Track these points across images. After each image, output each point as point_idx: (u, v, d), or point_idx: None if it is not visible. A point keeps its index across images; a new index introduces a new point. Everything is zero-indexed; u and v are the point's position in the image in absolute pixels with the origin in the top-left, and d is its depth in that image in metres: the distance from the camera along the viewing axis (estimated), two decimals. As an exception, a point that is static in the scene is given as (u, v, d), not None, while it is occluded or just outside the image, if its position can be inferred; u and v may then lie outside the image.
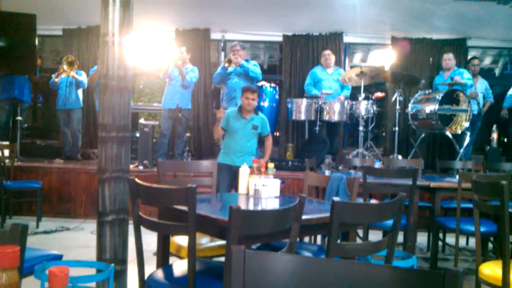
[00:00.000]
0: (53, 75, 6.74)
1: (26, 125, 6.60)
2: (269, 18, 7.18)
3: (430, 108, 6.05)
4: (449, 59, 6.57)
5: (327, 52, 6.83)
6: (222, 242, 2.80)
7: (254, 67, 6.18)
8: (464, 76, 6.36)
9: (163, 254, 2.59)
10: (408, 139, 7.15)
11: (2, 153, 5.37)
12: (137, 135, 6.26)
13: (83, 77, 6.74)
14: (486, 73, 8.04)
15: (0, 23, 6.04)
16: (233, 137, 4.42)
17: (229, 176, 4.36)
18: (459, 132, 6.05)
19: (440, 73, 6.80)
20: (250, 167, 2.96)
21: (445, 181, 4.04)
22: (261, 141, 4.72)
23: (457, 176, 3.80)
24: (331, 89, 6.56)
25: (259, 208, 2.58)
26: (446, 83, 6.31)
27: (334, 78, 6.73)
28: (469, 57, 7.28)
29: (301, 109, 6.28)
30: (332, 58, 6.83)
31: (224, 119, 4.41)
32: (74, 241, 4.72)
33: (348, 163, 5.34)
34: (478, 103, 6.71)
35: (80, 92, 6.85)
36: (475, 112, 6.58)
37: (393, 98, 6.50)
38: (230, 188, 4.42)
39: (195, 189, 2.04)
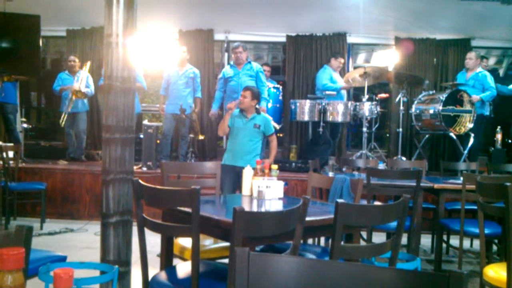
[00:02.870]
0: (57, 87, 6.65)
1: (22, 125, 6.57)
2: (273, 19, 7.18)
3: (434, 109, 6.03)
4: (470, 58, 6.35)
5: (341, 59, 6.91)
6: (225, 243, 2.80)
7: (264, 87, 5.84)
8: (488, 80, 6.22)
9: (167, 256, 2.58)
10: (412, 140, 7.13)
11: (7, 154, 5.39)
12: (141, 136, 6.27)
13: (90, 85, 6.69)
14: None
15: (5, 24, 6.05)
16: (236, 137, 4.45)
17: (233, 177, 4.35)
18: (463, 133, 6.03)
19: (463, 70, 6.64)
20: (254, 168, 2.96)
21: (449, 182, 4.02)
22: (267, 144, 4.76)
23: (461, 178, 3.79)
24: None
25: (263, 209, 2.58)
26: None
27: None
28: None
29: (304, 110, 6.29)
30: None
31: (231, 117, 4.46)
32: (78, 242, 4.73)
33: (352, 164, 5.33)
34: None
35: None
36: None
37: (397, 99, 6.49)
38: (234, 189, 4.42)
39: (198, 191, 2.04)
